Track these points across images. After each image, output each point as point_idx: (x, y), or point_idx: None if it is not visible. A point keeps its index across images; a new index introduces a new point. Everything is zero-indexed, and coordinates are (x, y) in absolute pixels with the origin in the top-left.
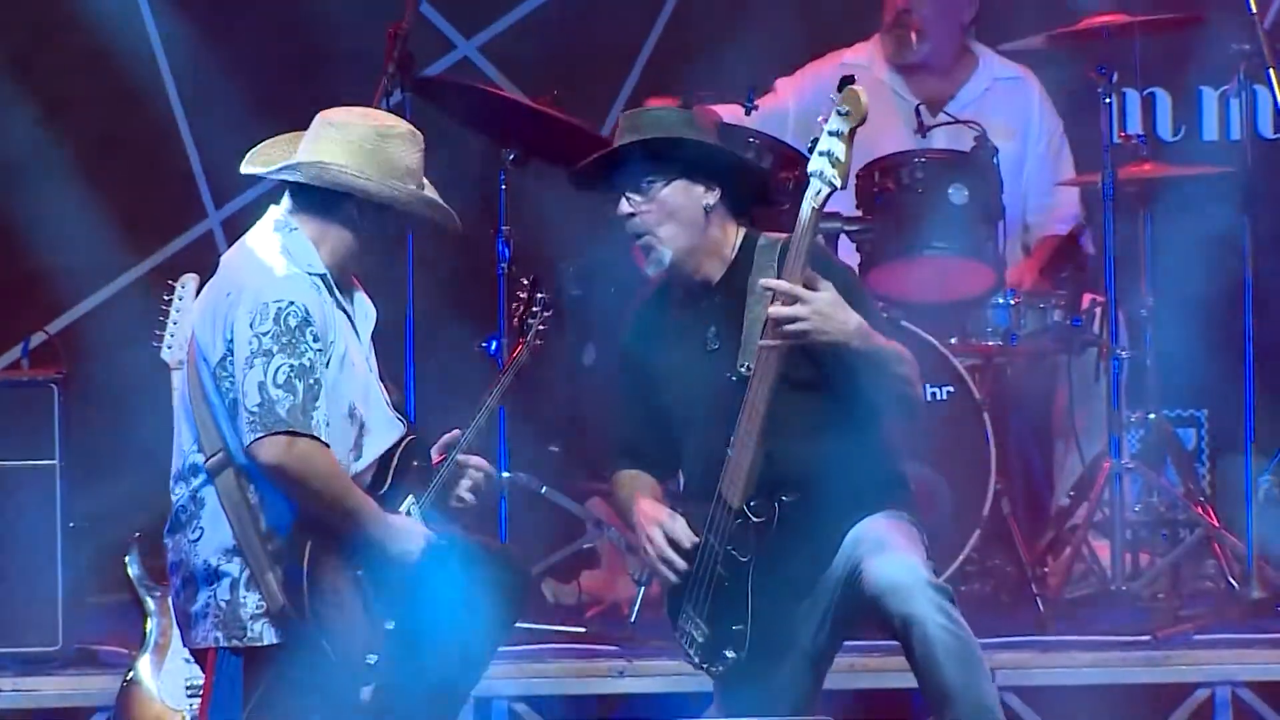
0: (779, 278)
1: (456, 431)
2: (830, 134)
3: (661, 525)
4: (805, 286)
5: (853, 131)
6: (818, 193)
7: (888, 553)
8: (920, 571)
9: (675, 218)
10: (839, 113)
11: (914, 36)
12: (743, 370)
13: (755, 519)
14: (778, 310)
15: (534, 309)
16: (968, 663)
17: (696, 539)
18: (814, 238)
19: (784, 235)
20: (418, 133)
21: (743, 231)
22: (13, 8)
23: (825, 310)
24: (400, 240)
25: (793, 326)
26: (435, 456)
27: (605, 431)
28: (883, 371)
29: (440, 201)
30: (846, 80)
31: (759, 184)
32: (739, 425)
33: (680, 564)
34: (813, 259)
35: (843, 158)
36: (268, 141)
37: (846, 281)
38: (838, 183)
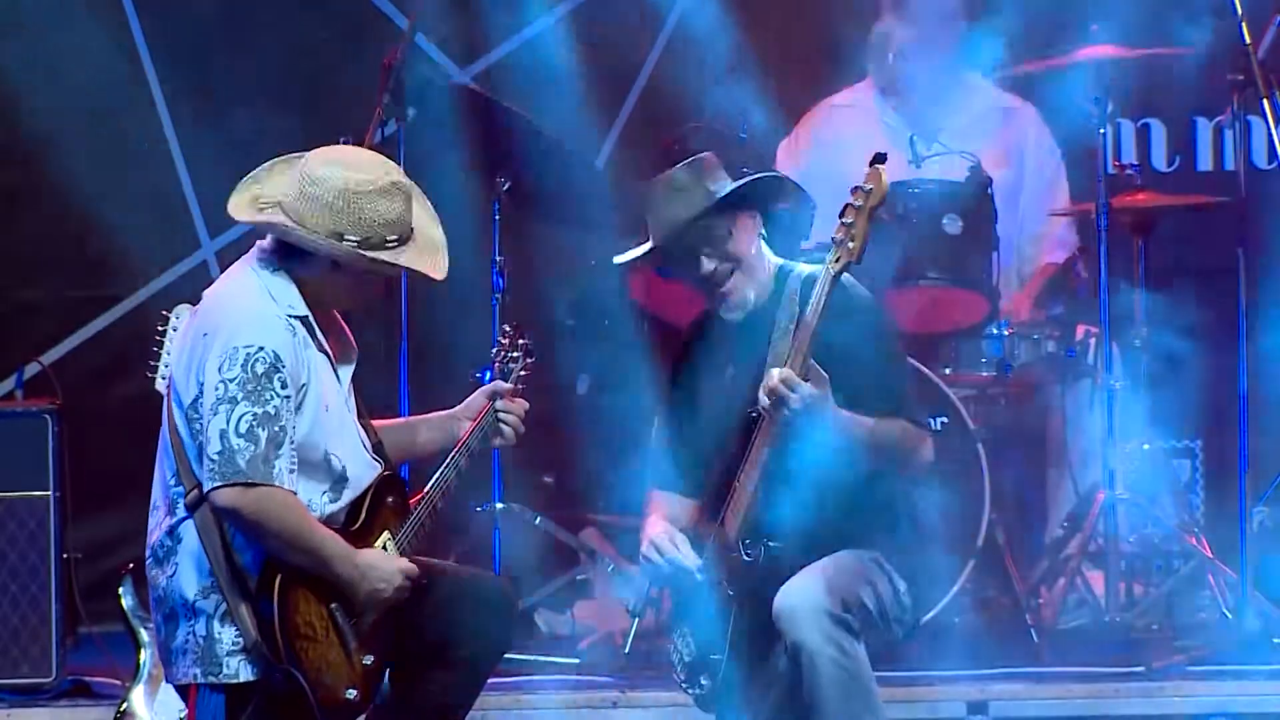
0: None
1: (500, 383)
2: (853, 207)
3: (670, 538)
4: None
5: (873, 209)
6: (836, 259)
7: (796, 579)
8: (816, 598)
9: (749, 259)
10: (862, 189)
11: (891, 56)
12: (761, 409)
13: (745, 557)
14: (767, 401)
15: (515, 354)
16: (851, 695)
17: (699, 561)
18: (828, 300)
19: (813, 267)
20: (403, 181)
21: (778, 261)
22: (7, 41)
23: (812, 406)
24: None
25: (780, 413)
26: (482, 402)
27: (599, 460)
28: (874, 455)
29: (407, 266)
30: (877, 159)
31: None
32: (744, 461)
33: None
34: (837, 305)
35: (861, 231)
36: (264, 167)
37: (868, 325)
38: (855, 256)
